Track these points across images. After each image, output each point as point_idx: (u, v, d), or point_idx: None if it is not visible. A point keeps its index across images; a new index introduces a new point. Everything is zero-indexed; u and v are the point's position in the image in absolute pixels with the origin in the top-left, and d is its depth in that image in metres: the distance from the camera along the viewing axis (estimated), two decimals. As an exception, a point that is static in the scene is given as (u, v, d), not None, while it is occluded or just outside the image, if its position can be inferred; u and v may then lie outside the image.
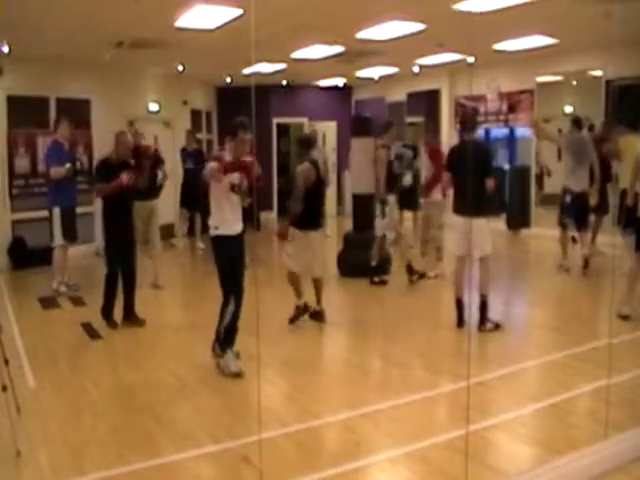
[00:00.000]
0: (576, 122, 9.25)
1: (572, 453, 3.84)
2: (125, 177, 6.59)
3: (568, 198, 8.96)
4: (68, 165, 8.22)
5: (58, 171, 8.10)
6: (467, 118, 7.09)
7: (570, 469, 3.68)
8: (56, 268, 8.47)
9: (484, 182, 6.38)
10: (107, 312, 6.90)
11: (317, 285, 6.96)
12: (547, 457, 3.86)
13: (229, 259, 5.44)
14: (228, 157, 5.36)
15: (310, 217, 6.72)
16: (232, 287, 5.45)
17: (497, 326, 6.51)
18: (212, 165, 5.18)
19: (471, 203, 6.25)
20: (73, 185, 8.52)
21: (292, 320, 6.88)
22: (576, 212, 8.95)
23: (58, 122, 8.54)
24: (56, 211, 8.23)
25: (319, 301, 6.98)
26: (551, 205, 12.01)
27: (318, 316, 6.96)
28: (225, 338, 5.48)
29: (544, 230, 11.53)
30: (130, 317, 6.92)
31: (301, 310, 6.94)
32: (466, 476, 3.50)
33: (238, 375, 5.31)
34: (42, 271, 9.00)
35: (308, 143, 6.96)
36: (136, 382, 5.49)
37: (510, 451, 4.11)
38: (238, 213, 5.51)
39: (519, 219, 12.70)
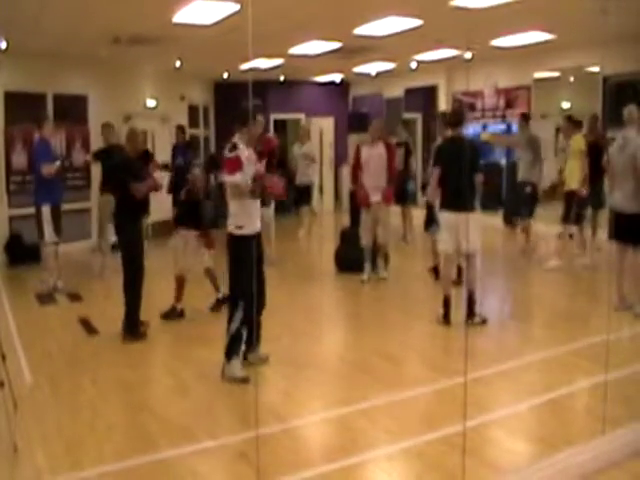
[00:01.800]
0: (524, 117, 10.01)
1: (569, 449, 3.85)
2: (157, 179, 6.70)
3: (529, 189, 9.54)
4: (58, 162, 8.27)
5: (49, 169, 8.11)
6: (453, 114, 7.10)
7: (567, 465, 3.68)
8: (48, 266, 8.47)
9: (473, 177, 6.40)
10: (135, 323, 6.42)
11: (210, 274, 7.14)
12: (544, 453, 3.87)
13: (250, 261, 5.11)
14: (243, 148, 5.17)
15: (192, 216, 6.94)
16: (243, 291, 5.14)
17: (484, 321, 6.54)
18: (239, 180, 5.06)
19: (462, 198, 6.25)
20: (60, 182, 8.60)
21: (166, 316, 6.97)
22: (530, 202, 9.65)
23: (43, 120, 8.53)
24: (46, 209, 8.20)
25: (217, 289, 7.12)
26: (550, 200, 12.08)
27: (223, 302, 6.88)
28: (231, 346, 5.21)
29: (540, 225, 11.54)
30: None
31: (177, 313, 7.01)
32: (463, 472, 3.50)
33: (245, 381, 5.14)
34: (39, 267, 8.98)
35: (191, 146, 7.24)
36: (133, 378, 5.49)
37: (507, 447, 4.11)
38: (258, 209, 5.33)
39: (515, 214, 12.68)
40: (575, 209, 8.80)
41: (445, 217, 6.58)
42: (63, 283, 8.41)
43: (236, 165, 5.10)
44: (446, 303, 6.57)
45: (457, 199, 6.33)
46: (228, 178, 5.12)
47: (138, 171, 6.48)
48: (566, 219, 8.94)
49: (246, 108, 5.39)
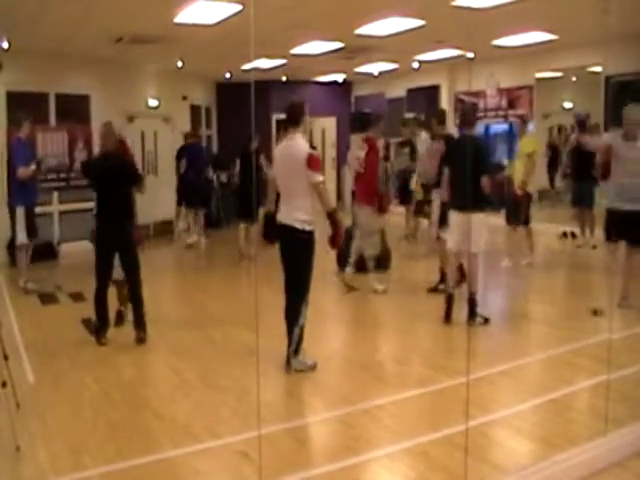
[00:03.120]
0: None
1: (572, 449, 3.85)
2: None
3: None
4: (33, 166, 8.31)
5: (26, 171, 8.16)
6: (465, 113, 7.12)
7: (570, 464, 3.68)
8: (21, 267, 8.52)
9: (480, 178, 6.40)
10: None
11: (120, 286, 6.79)
12: (547, 452, 3.86)
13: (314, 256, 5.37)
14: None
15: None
16: (309, 285, 5.38)
17: (486, 320, 6.55)
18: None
19: (467, 198, 6.27)
20: (35, 184, 8.66)
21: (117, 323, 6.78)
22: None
23: (21, 121, 8.49)
24: (20, 210, 8.27)
25: (122, 302, 6.83)
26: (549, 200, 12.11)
27: (122, 317, 6.79)
28: (301, 339, 5.40)
29: (543, 226, 11.53)
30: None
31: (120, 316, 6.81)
32: (466, 472, 3.49)
33: (314, 368, 5.43)
34: (41, 267, 8.99)
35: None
36: (136, 377, 5.50)
37: (510, 447, 4.11)
38: None
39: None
40: (524, 210, 9.00)
41: (451, 216, 6.65)
42: (33, 284, 8.47)
43: (319, 164, 5.37)
44: (448, 301, 6.57)
45: (462, 199, 6.35)
46: (317, 177, 5.21)
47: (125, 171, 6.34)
48: (512, 219, 9.18)
49: (297, 104, 5.44)
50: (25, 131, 8.47)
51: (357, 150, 8.08)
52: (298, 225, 5.23)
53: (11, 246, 10.29)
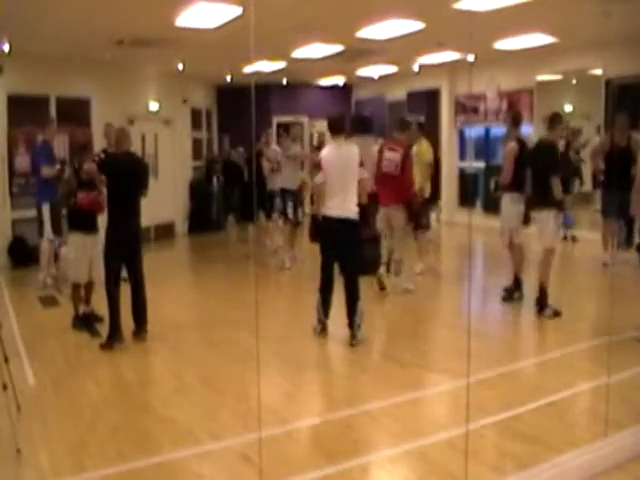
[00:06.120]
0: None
1: (572, 451, 3.85)
2: None
3: None
4: (58, 166, 8.46)
5: (50, 170, 8.44)
6: (550, 119, 7.25)
7: (570, 467, 3.68)
8: (44, 261, 8.70)
9: (548, 178, 6.65)
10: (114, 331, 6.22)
11: (89, 288, 6.80)
12: (547, 455, 3.85)
13: None
14: None
15: (83, 219, 6.57)
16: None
17: (556, 314, 6.68)
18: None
19: (536, 197, 6.85)
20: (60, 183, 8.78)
21: (74, 326, 6.79)
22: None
23: (46, 123, 8.97)
24: (46, 207, 8.56)
25: (88, 302, 6.85)
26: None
27: (92, 319, 6.78)
28: (361, 314, 6.10)
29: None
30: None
31: (88, 318, 6.79)
32: (466, 474, 3.50)
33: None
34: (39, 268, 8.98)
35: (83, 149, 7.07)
36: (136, 380, 5.50)
37: (510, 449, 4.10)
38: None
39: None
40: (422, 215, 8.84)
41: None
42: (53, 280, 8.62)
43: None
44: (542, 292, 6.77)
45: (533, 198, 6.91)
46: (366, 173, 6.45)
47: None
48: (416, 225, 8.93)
49: (338, 116, 6.47)
50: (50, 132, 8.94)
51: (389, 152, 7.85)
52: (353, 217, 5.97)
53: (13, 249, 10.33)
